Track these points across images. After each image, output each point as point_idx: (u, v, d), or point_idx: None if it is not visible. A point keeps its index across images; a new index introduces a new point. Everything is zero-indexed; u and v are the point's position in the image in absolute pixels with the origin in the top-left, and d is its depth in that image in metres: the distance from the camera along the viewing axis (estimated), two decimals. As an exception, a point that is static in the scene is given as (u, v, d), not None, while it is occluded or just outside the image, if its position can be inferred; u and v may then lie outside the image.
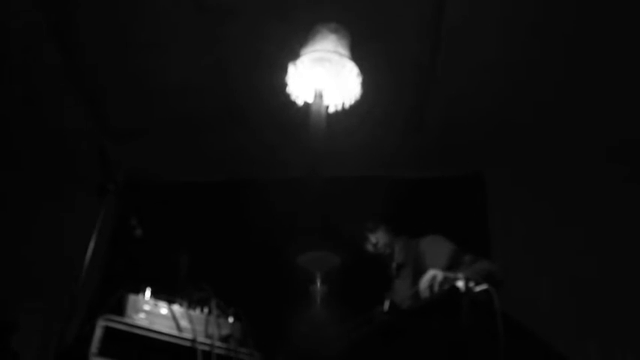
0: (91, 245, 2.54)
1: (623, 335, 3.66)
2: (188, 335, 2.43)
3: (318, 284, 3.25)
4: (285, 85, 3.06)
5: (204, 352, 2.42)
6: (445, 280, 2.32)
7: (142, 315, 2.41)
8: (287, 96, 3.08)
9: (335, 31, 3.02)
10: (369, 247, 3.28)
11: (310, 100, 3.01)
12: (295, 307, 3.84)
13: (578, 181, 4.26)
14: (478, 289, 1.93)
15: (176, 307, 2.51)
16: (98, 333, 2.23)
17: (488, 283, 1.95)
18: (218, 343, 2.48)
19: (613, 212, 4.10)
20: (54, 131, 4.49)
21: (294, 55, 3.05)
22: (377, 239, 3.27)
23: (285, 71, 3.02)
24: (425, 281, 2.38)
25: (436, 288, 2.31)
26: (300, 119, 3.05)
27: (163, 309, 2.48)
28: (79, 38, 3.77)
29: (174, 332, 2.43)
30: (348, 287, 3.82)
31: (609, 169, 4.21)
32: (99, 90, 4.18)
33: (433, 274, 2.39)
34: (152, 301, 2.47)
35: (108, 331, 2.25)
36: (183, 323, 2.48)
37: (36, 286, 4.27)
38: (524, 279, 3.73)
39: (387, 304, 2.22)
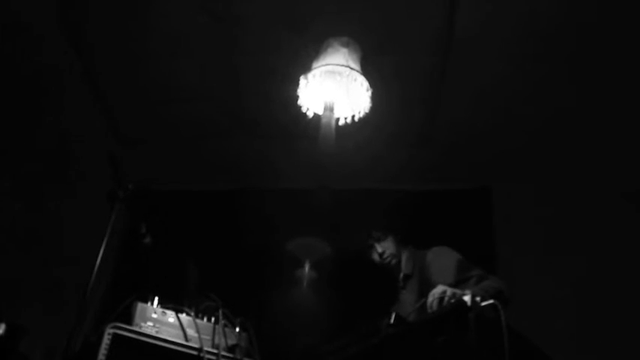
0: (101, 252, 2.56)
1: (627, 349, 3.65)
2: (195, 344, 2.44)
3: (307, 269, 3.27)
4: (296, 97, 3.08)
5: (210, 361, 2.43)
6: (453, 295, 2.33)
7: (149, 323, 2.42)
8: (298, 108, 3.10)
9: (346, 45, 3.06)
10: (375, 257, 3.27)
11: (321, 113, 3.03)
12: (302, 318, 3.87)
13: (584, 196, 4.26)
14: (484, 303, 1.94)
15: (183, 316, 2.52)
16: (106, 340, 2.24)
17: (497, 300, 1.96)
18: (224, 353, 2.49)
19: (617, 228, 4.09)
20: (66, 137, 4.52)
21: (306, 68, 3.08)
22: (383, 249, 3.25)
23: (296, 83, 3.05)
24: (434, 294, 2.40)
25: (445, 303, 2.32)
26: (310, 131, 3.07)
27: (171, 318, 2.49)
28: (91, 46, 3.80)
29: (181, 341, 2.44)
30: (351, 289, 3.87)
31: (615, 185, 4.20)
32: (110, 98, 4.21)
33: (443, 289, 2.40)
34: (160, 310, 2.48)
35: (115, 338, 2.26)
36: (190, 332, 2.49)
37: (45, 291, 4.29)
38: (530, 293, 3.73)
39: (392, 316, 2.22)
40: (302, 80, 3.02)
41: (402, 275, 3.24)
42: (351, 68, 2.97)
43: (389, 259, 3.24)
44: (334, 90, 3.02)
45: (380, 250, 3.24)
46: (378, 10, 3.39)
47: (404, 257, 3.27)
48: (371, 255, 3.28)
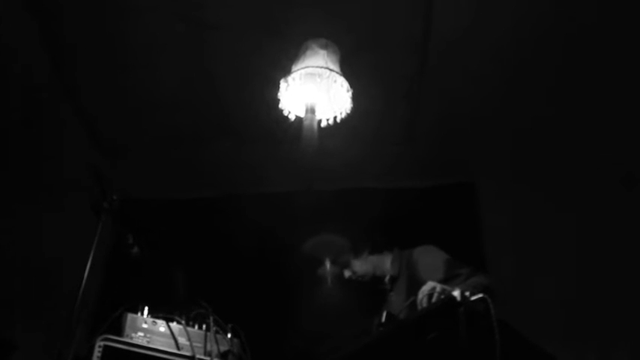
0: (88, 263, 2.55)
1: (619, 342, 3.67)
2: (187, 353, 2.44)
3: (328, 267, 3.27)
4: (277, 100, 3.09)
5: (203, 368, 2.43)
6: (443, 291, 2.34)
7: (140, 333, 2.41)
8: (279, 111, 3.10)
9: (325, 47, 3.06)
10: (349, 277, 3.27)
11: (302, 115, 3.04)
12: (290, 322, 3.86)
13: (569, 188, 4.28)
14: (474, 298, 1.95)
15: (174, 325, 2.51)
16: (97, 352, 2.23)
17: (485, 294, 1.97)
18: (217, 360, 2.49)
19: (606, 219, 4.12)
20: (49, 149, 4.49)
21: (286, 71, 3.08)
22: (349, 274, 3.23)
23: (276, 87, 3.06)
24: (423, 291, 2.40)
25: (434, 299, 2.33)
26: (293, 134, 3.07)
27: (161, 327, 2.48)
28: (69, 56, 3.78)
29: (173, 350, 2.43)
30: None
31: (600, 176, 4.23)
32: (91, 108, 4.18)
33: (432, 286, 2.40)
34: (150, 320, 2.47)
35: (106, 350, 2.26)
36: (182, 340, 2.49)
37: (34, 305, 4.26)
38: (518, 286, 3.75)
39: (384, 315, 2.23)
40: (282, 83, 3.03)
41: (388, 277, 3.24)
42: (331, 70, 2.98)
43: (360, 279, 3.25)
44: (315, 92, 3.03)
45: (347, 275, 3.25)
46: (357, 11, 3.40)
47: (389, 259, 3.28)
48: (344, 277, 3.28)
